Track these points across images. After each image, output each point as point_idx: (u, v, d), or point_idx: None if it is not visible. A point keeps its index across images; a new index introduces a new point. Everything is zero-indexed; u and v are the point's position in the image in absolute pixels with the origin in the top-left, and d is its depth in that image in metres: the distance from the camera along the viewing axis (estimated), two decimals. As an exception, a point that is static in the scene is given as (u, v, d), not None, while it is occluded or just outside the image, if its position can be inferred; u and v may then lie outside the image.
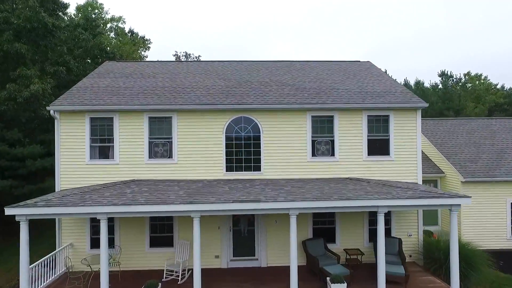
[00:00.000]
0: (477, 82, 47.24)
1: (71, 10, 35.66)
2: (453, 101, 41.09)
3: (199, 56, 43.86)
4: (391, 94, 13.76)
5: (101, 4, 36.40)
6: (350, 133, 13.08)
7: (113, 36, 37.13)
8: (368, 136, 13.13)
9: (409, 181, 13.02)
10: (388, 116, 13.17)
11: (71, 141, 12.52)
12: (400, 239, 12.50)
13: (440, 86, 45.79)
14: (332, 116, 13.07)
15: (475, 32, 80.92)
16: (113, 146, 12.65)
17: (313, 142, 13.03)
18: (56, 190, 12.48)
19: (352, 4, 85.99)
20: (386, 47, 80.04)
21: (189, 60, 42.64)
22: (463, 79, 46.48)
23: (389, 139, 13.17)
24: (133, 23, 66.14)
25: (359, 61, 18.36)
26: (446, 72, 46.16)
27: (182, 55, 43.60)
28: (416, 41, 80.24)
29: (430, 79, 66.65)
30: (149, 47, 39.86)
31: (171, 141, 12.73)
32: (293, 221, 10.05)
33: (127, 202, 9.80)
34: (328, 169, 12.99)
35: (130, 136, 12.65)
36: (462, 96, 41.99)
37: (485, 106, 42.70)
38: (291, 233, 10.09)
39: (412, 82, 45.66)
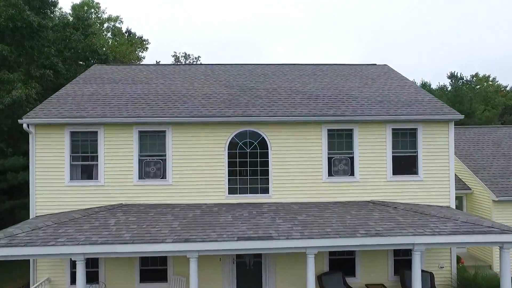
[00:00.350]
0: (485, 83, 45.53)
1: (67, 10, 33.93)
2: (464, 104, 39.26)
3: (198, 57, 41.99)
4: (418, 103, 12.00)
5: (97, 3, 34.73)
6: (372, 149, 11.33)
7: (110, 36, 35.39)
8: (393, 152, 11.38)
9: (441, 205, 11.26)
10: (415, 129, 11.42)
11: (48, 159, 10.77)
12: (432, 274, 10.76)
13: (449, 88, 43.97)
14: (351, 130, 11.31)
15: (475, 31, 79.11)
16: (97, 164, 10.89)
17: (329, 159, 11.27)
18: (31, 216, 10.72)
19: (351, 4, 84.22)
20: (385, 47, 78.12)
21: (188, 61, 40.87)
22: (471, 81, 44.73)
23: (417, 155, 11.42)
24: (130, 23, 64.40)
25: (376, 64, 16.57)
26: (455, 74, 44.36)
27: (181, 56, 41.78)
28: (415, 41, 78.31)
29: (432, 80, 64.84)
30: (147, 48, 38.14)
31: (165, 159, 10.97)
32: (310, 262, 8.33)
33: (109, 240, 8.05)
34: (347, 191, 11.23)
35: (117, 153, 10.90)
36: (473, 98, 40.15)
37: (497, 109, 40.90)
38: (308, 274, 8.35)
39: (418, 84, 43.84)
